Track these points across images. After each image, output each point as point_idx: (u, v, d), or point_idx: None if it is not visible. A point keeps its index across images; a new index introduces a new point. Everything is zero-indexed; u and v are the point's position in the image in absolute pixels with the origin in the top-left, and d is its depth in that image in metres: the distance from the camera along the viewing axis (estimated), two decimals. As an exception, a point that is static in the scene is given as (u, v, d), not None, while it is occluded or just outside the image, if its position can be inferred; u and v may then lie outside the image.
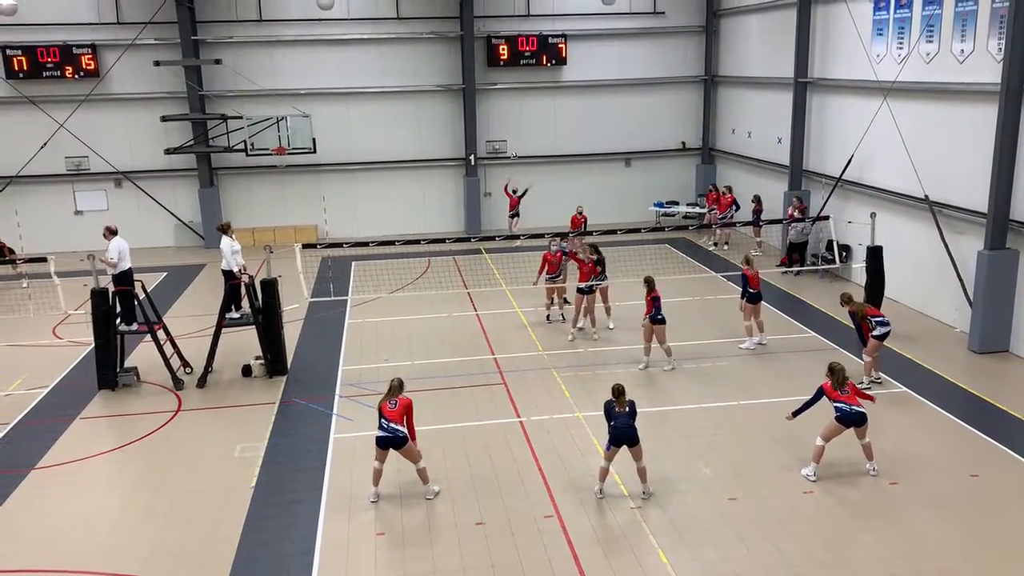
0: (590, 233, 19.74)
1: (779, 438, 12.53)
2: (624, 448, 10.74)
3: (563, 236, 19.12)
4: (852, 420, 11.16)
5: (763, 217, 23.88)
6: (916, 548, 9.75)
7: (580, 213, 23.52)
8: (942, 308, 17.61)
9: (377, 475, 11.05)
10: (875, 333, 14.04)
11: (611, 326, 17.59)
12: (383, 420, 10.84)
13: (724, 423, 13.24)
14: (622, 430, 10.67)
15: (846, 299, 14.44)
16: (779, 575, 9.32)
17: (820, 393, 11.39)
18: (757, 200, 24.34)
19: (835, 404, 11.23)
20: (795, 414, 11.65)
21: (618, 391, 10.84)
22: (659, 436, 12.63)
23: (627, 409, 10.75)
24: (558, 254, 17.88)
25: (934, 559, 9.55)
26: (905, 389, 14.26)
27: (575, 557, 9.72)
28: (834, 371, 11.30)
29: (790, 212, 21.80)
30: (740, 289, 16.55)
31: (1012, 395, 13.70)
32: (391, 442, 10.83)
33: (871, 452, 11.40)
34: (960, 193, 16.86)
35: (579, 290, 17.03)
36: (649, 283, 15.49)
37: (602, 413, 11.05)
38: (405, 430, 10.84)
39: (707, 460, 12.00)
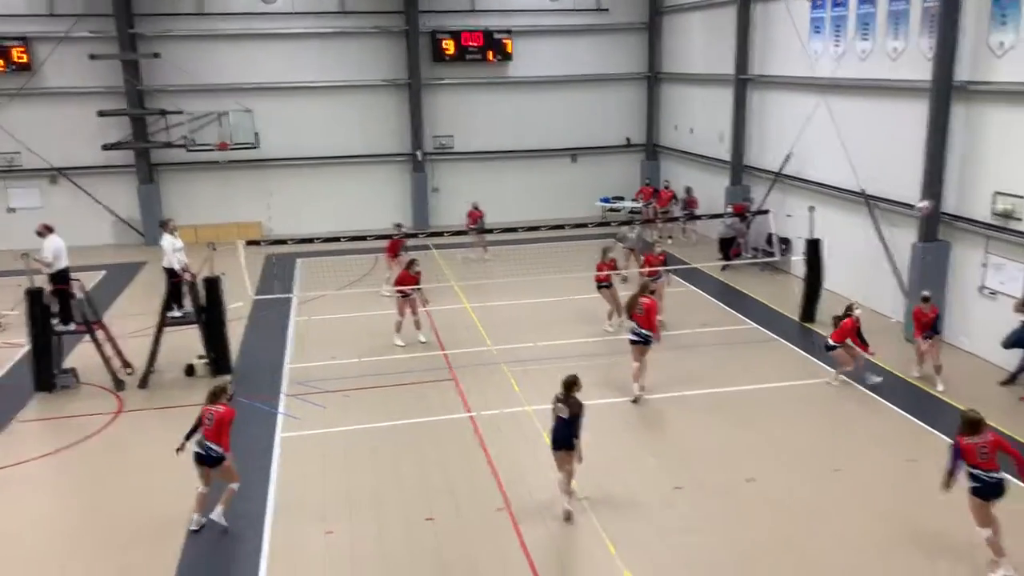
0: (490, 231, 19.76)
1: (722, 428, 12.79)
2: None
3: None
4: (994, 493, 8.73)
5: (703, 211, 24.31)
6: (866, 537, 10.05)
7: (476, 208, 23.83)
8: (879, 299, 18.13)
9: (201, 500, 10.16)
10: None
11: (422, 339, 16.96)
12: (199, 433, 10.03)
13: (668, 413, 13.45)
14: (558, 436, 10.28)
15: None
16: (727, 563, 9.52)
17: (957, 452, 8.88)
18: (688, 192, 24.89)
19: (971, 471, 8.80)
20: (946, 486, 8.98)
21: (566, 384, 10.27)
22: (604, 426, 12.79)
23: (564, 416, 10.14)
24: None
25: (886, 546, 9.86)
26: (844, 378, 14.65)
27: (525, 549, 9.79)
28: (971, 423, 8.77)
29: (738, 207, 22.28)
30: (683, 282, 16.83)
31: (945, 382, 14.18)
32: (204, 460, 10.01)
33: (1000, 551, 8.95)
34: (894, 187, 17.38)
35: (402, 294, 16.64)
36: (604, 251, 16.92)
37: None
38: (220, 450, 9.95)
39: (652, 450, 12.18)
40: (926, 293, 14.65)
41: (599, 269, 17.51)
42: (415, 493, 11.12)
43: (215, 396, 10.16)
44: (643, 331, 13.81)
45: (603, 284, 17.45)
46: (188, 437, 10.23)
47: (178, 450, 10.25)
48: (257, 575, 9.44)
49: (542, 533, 10.14)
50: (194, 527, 10.21)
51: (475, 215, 23.77)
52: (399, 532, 10.21)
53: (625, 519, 10.39)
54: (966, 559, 9.35)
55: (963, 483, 8.96)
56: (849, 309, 14.19)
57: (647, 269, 17.52)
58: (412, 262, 17.08)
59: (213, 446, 10.00)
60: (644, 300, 14.00)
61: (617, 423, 13.12)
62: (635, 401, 13.79)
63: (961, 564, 9.32)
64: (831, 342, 14.22)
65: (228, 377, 9.97)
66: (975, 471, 8.75)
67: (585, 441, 10.39)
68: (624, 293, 16.80)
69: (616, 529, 10.17)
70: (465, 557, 9.68)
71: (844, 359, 14.22)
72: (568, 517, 10.34)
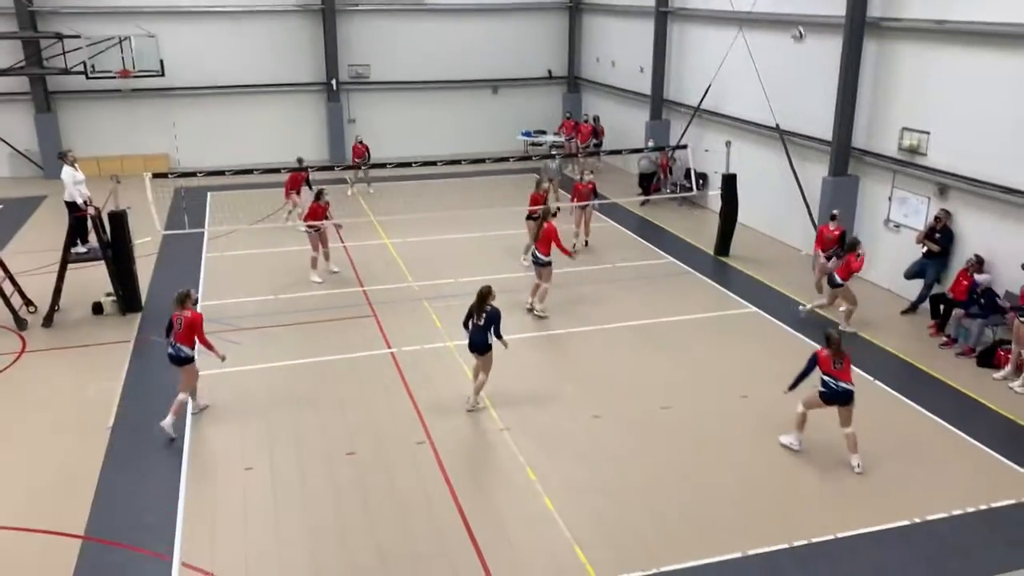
0: (383, 166, 19.40)
1: (640, 358, 13.09)
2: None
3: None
4: (836, 398, 10.11)
5: (623, 147, 24.36)
6: (762, 458, 10.49)
7: (360, 142, 23.61)
8: (791, 232, 18.64)
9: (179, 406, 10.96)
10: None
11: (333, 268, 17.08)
12: (170, 337, 10.89)
13: (587, 345, 13.68)
14: (474, 340, 11.27)
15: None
16: (639, 487, 9.82)
17: (813, 362, 10.24)
18: (595, 121, 25.11)
19: (823, 377, 10.15)
20: (791, 388, 10.47)
21: (481, 295, 11.13)
22: (526, 360, 12.95)
23: (482, 322, 11.13)
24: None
25: (777, 467, 10.31)
26: (755, 309, 15.10)
27: (447, 480, 9.90)
28: (831, 340, 10.07)
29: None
30: (603, 217, 16.90)
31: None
32: (174, 360, 10.93)
33: (855, 444, 10.17)
34: (808, 123, 17.73)
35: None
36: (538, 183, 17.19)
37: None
38: (189, 350, 10.79)
39: (572, 381, 12.40)
40: (835, 212, 15.19)
41: (533, 201, 17.26)
42: (336, 430, 11.07)
43: (182, 302, 10.80)
44: (539, 255, 14.66)
45: (533, 216, 17.06)
46: (166, 336, 10.96)
47: (154, 339, 11.56)
48: (175, 517, 9.27)
49: (463, 464, 10.26)
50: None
51: (359, 149, 23.35)
52: (320, 468, 10.17)
53: (545, 447, 10.58)
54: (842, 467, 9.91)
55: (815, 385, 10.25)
56: (856, 246, 13.84)
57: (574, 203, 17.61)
58: (320, 192, 16.62)
59: (183, 347, 10.76)
60: (545, 225, 14.66)
61: (538, 357, 13.28)
62: (530, 311, 14.79)
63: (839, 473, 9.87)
64: (838, 279, 13.83)
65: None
66: (826, 378, 10.08)
67: (508, 374, 10.53)
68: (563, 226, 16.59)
69: (536, 457, 10.35)
70: (387, 490, 9.72)
71: (844, 297, 13.98)
72: (471, 410, 11.42)
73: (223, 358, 11.14)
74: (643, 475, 10.05)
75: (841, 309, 14.23)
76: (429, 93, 28.32)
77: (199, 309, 12.25)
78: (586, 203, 18.39)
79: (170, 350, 10.88)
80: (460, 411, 11.45)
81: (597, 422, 11.24)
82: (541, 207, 16.14)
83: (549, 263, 14.70)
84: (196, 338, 10.82)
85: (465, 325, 11.40)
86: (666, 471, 10.14)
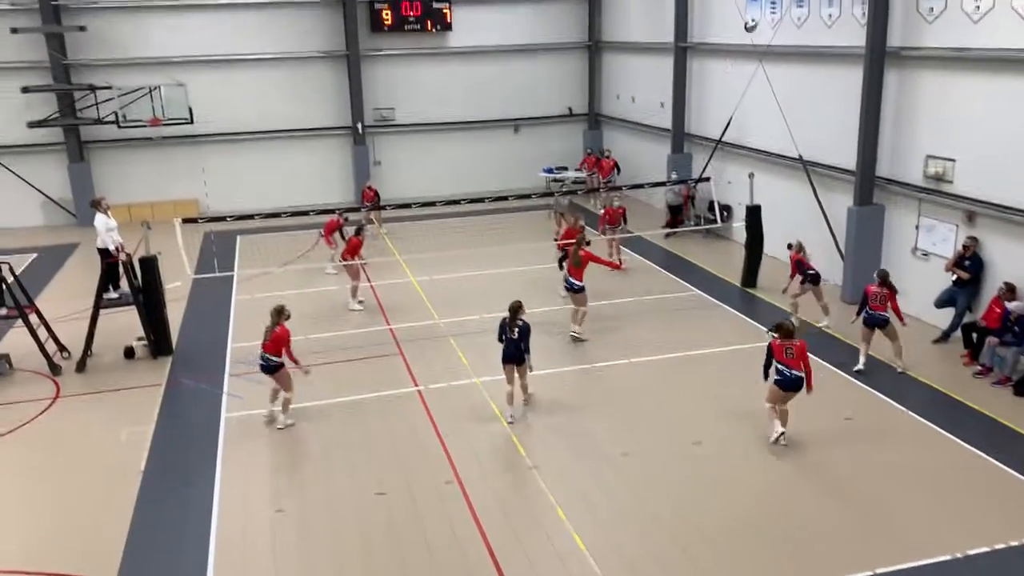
0: (408, 206, 19.80)
1: (669, 392, 13.00)
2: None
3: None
4: (791, 386, 10.84)
5: (646, 180, 24.44)
6: (794, 492, 10.33)
7: (370, 188, 23.90)
8: (817, 262, 18.44)
9: (272, 393, 12.30)
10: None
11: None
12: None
13: (617, 379, 13.61)
14: (509, 352, 11.93)
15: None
16: (673, 525, 9.69)
17: (769, 351, 11.01)
18: (607, 155, 25.77)
19: (776, 365, 10.88)
20: (765, 378, 11.18)
21: (512, 309, 11.88)
22: (554, 394, 12.91)
23: (515, 335, 11.83)
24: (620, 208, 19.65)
25: (814, 502, 10.15)
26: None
27: (476, 519, 9.84)
28: (783, 329, 10.84)
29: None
30: (626, 251, 16.89)
31: (880, 341, 14.51)
32: (264, 369, 12.06)
33: (786, 419, 11.11)
34: (831, 152, 17.69)
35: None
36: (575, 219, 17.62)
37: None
38: (277, 359, 11.89)
39: (601, 416, 12.32)
40: (790, 242, 15.88)
41: (567, 235, 17.35)
42: (365, 470, 11.07)
43: (276, 316, 11.99)
44: (571, 279, 15.11)
45: (566, 251, 17.09)
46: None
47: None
48: (206, 560, 9.30)
49: (492, 503, 10.20)
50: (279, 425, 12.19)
51: (368, 195, 23.63)
52: (350, 509, 10.16)
53: (574, 485, 10.50)
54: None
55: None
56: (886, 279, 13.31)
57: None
58: (361, 227, 17.50)
59: (271, 357, 11.93)
60: (581, 252, 15.09)
61: (565, 392, 13.22)
62: (578, 338, 15.14)
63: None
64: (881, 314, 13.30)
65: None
66: (780, 366, 10.84)
67: (535, 410, 10.49)
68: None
69: (565, 495, 10.27)
70: (416, 530, 9.69)
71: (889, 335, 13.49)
72: (512, 420, 12.03)
73: (307, 372, 12.41)
74: (674, 512, 9.93)
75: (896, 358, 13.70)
76: (452, 133, 28.66)
77: (231, 350, 12.38)
78: (617, 224, 19.42)
79: (260, 360, 12.04)
80: (488, 449, 11.41)
81: (627, 459, 11.14)
82: (574, 239, 16.31)
83: (583, 288, 15.11)
84: (284, 351, 11.87)
85: (500, 339, 12.07)
86: (697, 508, 10.01)
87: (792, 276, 15.72)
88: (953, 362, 13.91)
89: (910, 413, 12.18)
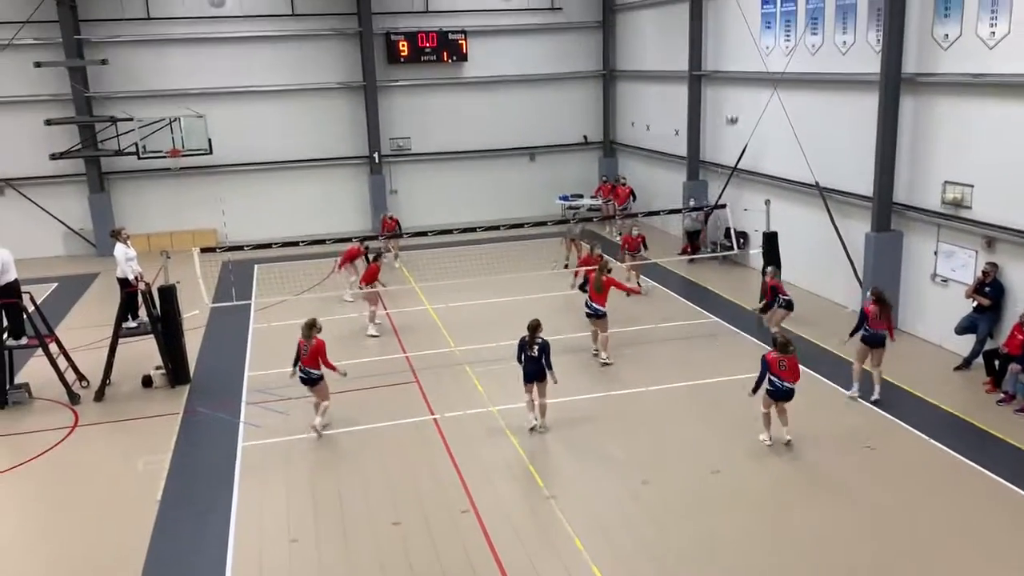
0: (424, 234, 20.26)
1: (688, 420, 12.89)
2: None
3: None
4: (781, 396, 11.77)
5: (662, 207, 24.46)
6: (824, 525, 10.19)
7: (391, 218, 24.02)
8: (835, 289, 18.41)
9: (316, 406, 12.84)
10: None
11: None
12: (297, 364, 12.65)
13: (635, 407, 13.51)
14: (531, 370, 12.25)
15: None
16: (693, 555, 9.57)
17: (764, 363, 11.76)
18: (616, 181, 25.94)
19: (770, 377, 11.70)
20: (754, 391, 12.00)
21: (531, 327, 12.16)
22: (571, 422, 12.83)
23: (535, 352, 12.13)
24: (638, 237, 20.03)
25: (839, 533, 10.00)
26: (803, 369, 14.80)
27: (493, 550, 9.76)
28: (780, 344, 11.70)
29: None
30: (643, 277, 16.90)
31: (901, 368, 14.38)
32: (305, 382, 12.67)
33: (785, 419, 11.95)
34: (847, 178, 17.65)
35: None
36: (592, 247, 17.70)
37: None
38: (318, 372, 12.50)
39: (620, 444, 12.23)
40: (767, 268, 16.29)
41: (584, 263, 17.63)
42: (380, 499, 11.02)
43: (308, 330, 12.45)
44: (595, 305, 15.29)
45: (587, 279, 17.28)
46: (295, 365, 12.69)
47: (291, 375, 12.78)
48: (222, 587, 9.28)
49: (509, 532, 10.11)
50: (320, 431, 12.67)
51: (388, 224, 23.71)
52: (365, 539, 10.11)
53: (592, 515, 10.40)
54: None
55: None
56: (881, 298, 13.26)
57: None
58: (379, 254, 17.81)
59: (311, 370, 12.51)
60: (603, 278, 15.31)
61: (582, 420, 13.13)
62: (595, 355, 15.58)
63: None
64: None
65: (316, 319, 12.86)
66: (773, 378, 11.65)
67: (552, 438, 10.51)
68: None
69: (583, 525, 10.17)
70: (432, 561, 9.61)
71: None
72: (532, 429, 12.41)
73: (344, 374, 12.91)
74: (693, 542, 9.80)
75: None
76: (468, 162, 28.85)
77: (248, 379, 12.36)
78: (637, 251, 19.85)
79: (300, 374, 12.60)
80: (505, 478, 11.34)
81: (646, 488, 11.03)
82: (595, 266, 16.34)
83: (605, 314, 15.33)
84: (320, 361, 12.39)
85: (519, 359, 12.35)
86: (717, 538, 9.88)
87: (767, 300, 15.90)
88: (975, 389, 13.73)
89: (932, 441, 12.01)
